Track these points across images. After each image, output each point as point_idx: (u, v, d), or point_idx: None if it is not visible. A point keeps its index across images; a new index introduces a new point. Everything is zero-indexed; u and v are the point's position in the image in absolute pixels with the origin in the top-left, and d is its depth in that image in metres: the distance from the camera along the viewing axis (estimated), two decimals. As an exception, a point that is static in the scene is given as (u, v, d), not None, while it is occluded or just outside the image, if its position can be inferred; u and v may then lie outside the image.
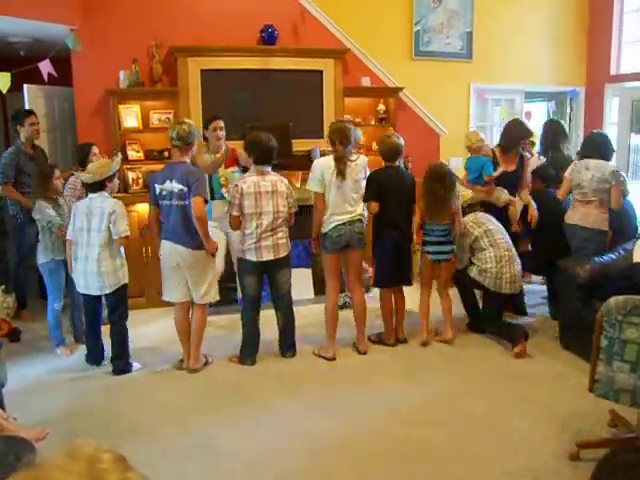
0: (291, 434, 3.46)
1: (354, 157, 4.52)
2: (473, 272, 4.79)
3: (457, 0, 7.13)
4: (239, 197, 4.24)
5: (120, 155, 4.53)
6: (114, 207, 4.21)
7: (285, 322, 4.56)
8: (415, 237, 4.91)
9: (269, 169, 4.37)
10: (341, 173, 4.40)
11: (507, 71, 7.47)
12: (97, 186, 4.25)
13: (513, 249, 4.79)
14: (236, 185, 4.30)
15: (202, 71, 5.92)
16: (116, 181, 4.41)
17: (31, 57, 5.25)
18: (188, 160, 4.24)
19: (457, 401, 3.84)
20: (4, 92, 4.56)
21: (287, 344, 4.58)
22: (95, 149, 5.02)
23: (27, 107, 6.04)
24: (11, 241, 6.00)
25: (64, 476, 0.86)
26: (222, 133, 5.08)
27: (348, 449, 3.28)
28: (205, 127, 5.20)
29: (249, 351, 4.46)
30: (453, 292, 4.98)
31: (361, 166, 4.56)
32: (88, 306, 4.44)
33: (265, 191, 4.27)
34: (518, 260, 4.79)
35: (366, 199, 4.62)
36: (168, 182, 4.14)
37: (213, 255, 4.29)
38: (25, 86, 6.19)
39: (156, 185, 4.19)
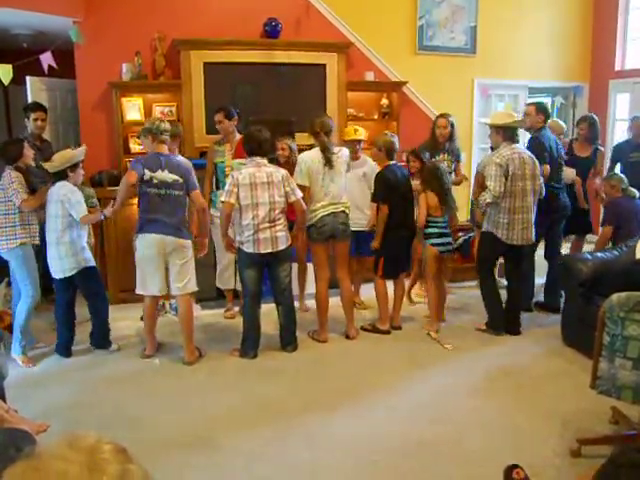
0: (290, 429, 3.45)
1: (336, 150, 4.64)
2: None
3: (461, -6, 7.11)
4: (235, 187, 4.24)
5: (85, 147, 4.51)
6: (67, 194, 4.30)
7: (286, 317, 4.56)
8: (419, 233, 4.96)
9: (265, 161, 4.37)
10: (329, 162, 4.54)
11: (511, 66, 7.45)
12: (59, 175, 4.29)
13: None
14: (232, 176, 4.31)
15: (205, 64, 5.91)
16: (80, 171, 4.41)
17: (34, 49, 5.24)
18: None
19: (457, 397, 3.83)
20: (6, 83, 4.55)
21: (288, 338, 4.58)
22: (26, 143, 4.53)
23: (30, 99, 6.03)
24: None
25: (64, 466, 0.85)
26: (220, 127, 5.08)
27: (347, 445, 3.27)
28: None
29: (250, 344, 4.46)
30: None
31: (343, 159, 4.69)
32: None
33: (261, 182, 4.26)
34: None
35: (375, 200, 4.79)
36: (160, 171, 4.14)
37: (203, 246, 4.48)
38: (28, 78, 6.18)
39: (146, 170, 4.14)
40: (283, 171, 4.41)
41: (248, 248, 4.31)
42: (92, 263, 4.45)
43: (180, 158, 4.31)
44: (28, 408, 3.50)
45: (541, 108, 5.20)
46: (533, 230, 4.74)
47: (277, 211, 4.32)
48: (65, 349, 4.49)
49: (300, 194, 4.41)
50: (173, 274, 4.26)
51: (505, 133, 4.69)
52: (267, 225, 4.28)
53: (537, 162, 4.75)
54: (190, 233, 4.39)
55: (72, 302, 4.52)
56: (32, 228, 4.36)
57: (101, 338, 4.51)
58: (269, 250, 4.31)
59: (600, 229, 5.51)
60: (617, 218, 5.22)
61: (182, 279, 4.27)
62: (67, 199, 4.23)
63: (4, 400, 3.19)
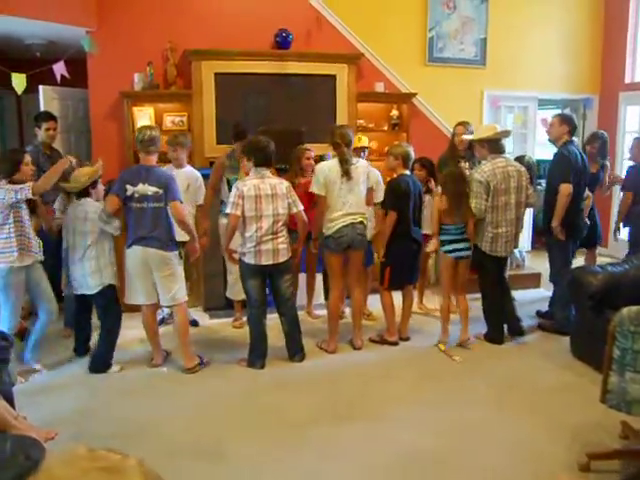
0: (297, 438, 3.44)
1: (354, 161, 4.62)
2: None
3: (471, 6, 7.14)
4: (241, 199, 4.25)
5: (101, 162, 4.47)
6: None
7: (290, 325, 4.56)
8: (434, 242, 4.89)
9: (269, 172, 4.38)
10: (347, 174, 4.51)
11: (521, 78, 7.45)
12: (81, 194, 4.32)
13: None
14: (237, 188, 4.32)
15: (216, 74, 5.95)
16: (100, 187, 4.45)
17: (47, 59, 5.30)
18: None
19: (465, 409, 3.81)
20: (19, 93, 4.60)
21: (294, 348, 4.58)
22: (27, 157, 4.25)
23: (42, 108, 6.08)
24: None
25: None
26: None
27: (355, 456, 3.26)
28: None
29: (257, 354, 4.45)
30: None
31: (362, 169, 4.66)
32: None
33: (265, 194, 4.28)
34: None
35: (384, 207, 4.80)
36: (141, 185, 4.15)
37: (195, 253, 4.56)
38: (40, 87, 6.24)
39: (128, 186, 4.16)
40: (286, 183, 4.43)
41: (249, 259, 4.32)
42: (114, 281, 4.41)
43: (160, 168, 4.35)
44: (36, 415, 3.53)
45: (565, 118, 5.11)
46: (517, 241, 4.96)
47: (280, 223, 4.33)
48: (82, 347, 4.67)
49: (302, 206, 4.43)
50: (160, 286, 4.28)
51: (489, 146, 4.78)
52: (270, 237, 4.29)
53: (525, 173, 4.82)
54: (176, 244, 4.35)
55: (89, 313, 4.64)
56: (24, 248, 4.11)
57: (101, 363, 4.39)
58: (270, 262, 4.31)
59: (621, 195, 5.97)
60: (636, 182, 5.48)
61: (169, 290, 4.28)
62: (99, 216, 4.23)
63: (13, 407, 3.21)
